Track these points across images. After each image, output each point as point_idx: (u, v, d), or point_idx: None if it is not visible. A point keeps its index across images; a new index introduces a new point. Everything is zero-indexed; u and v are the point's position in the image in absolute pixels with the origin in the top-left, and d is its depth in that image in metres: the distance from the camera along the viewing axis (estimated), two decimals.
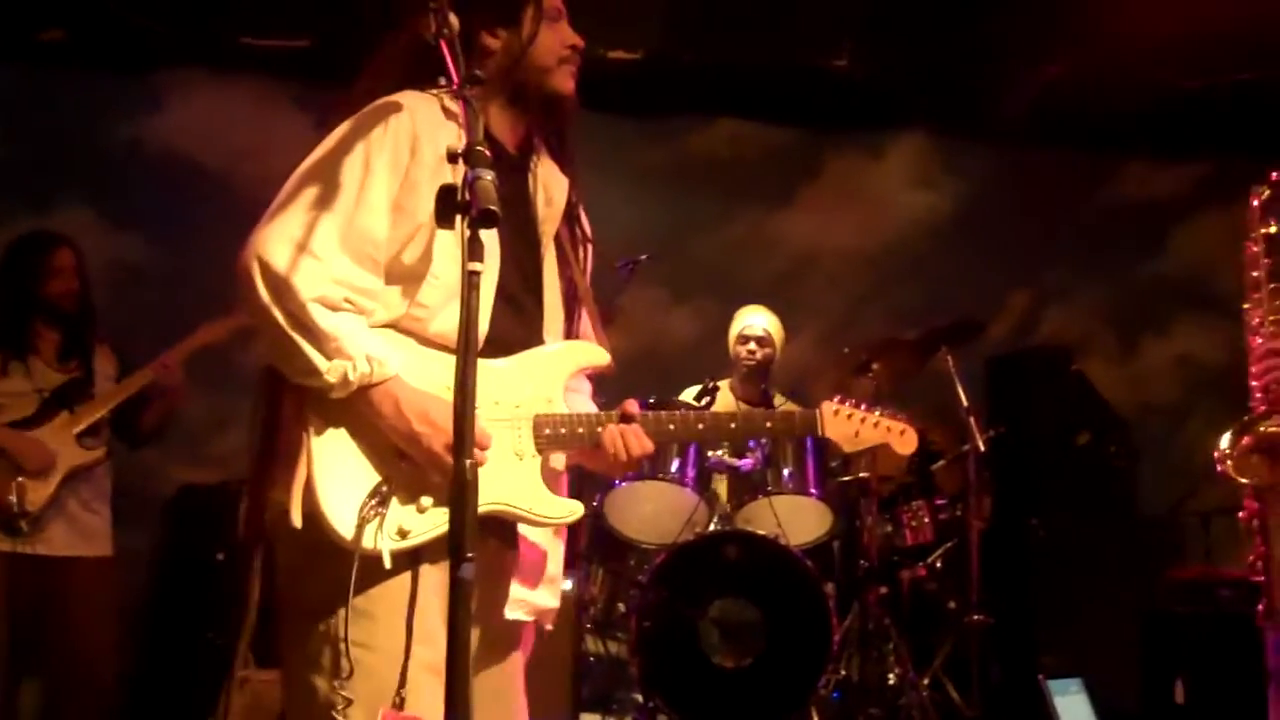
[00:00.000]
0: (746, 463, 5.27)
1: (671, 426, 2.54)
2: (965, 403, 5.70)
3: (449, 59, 2.11)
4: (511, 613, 2.39)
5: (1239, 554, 3.45)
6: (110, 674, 4.86)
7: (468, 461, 1.85)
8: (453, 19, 2.14)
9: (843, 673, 5.59)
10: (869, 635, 5.55)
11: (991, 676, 5.73)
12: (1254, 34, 6.07)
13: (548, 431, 2.39)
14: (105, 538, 4.81)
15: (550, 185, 2.53)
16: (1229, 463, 3.08)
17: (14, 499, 4.51)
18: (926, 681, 5.66)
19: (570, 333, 2.54)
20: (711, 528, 5.23)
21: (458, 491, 1.84)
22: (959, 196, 7.64)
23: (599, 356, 2.51)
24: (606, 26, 6.27)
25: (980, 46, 6.68)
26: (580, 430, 2.41)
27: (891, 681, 5.65)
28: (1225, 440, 3.09)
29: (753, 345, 5.75)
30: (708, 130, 7.27)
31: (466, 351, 1.88)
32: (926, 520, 5.88)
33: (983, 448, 5.64)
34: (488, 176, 1.89)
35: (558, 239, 2.53)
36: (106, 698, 4.86)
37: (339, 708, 2.16)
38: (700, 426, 2.75)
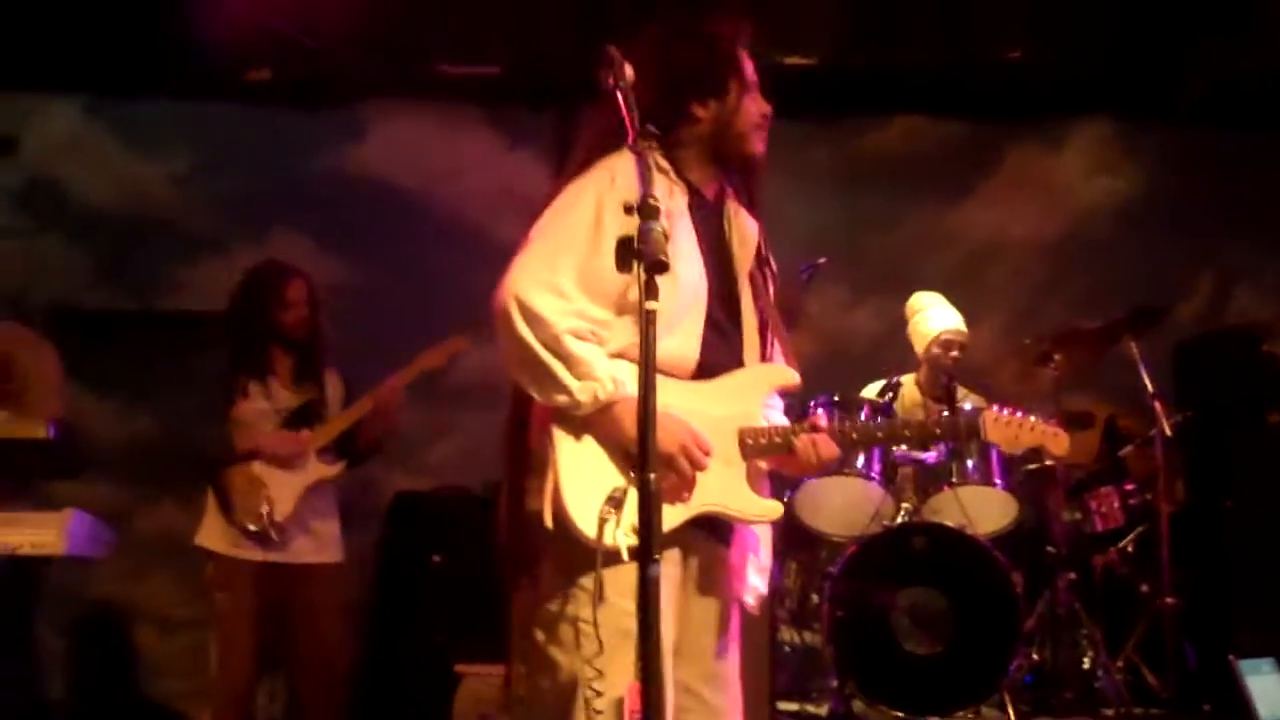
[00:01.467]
0: (931, 455, 5.38)
1: (855, 435, 2.88)
2: (1150, 388, 5.72)
3: (624, 111, 2.39)
4: (747, 597, 2.73)
5: None
6: (344, 669, 5.25)
7: (651, 475, 2.11)
8: (628, 70, 2.44)
9: (1035, 658, 5.62)
10: (1060, 621, 5.59)
11: (1186, 659, 5.72)
12: None
13: (749, 441, 2.70)
14: (338, 545, 5.13)
15: (743, 228, 2.84)
16: None
17: (266, 509, 4.90)
18: (1120, 664, 5.65)
19: (765, 356, 2.83)
20: (899, 520, 5.35)
21: (644, 501, 2.10)
22: (1140, 181, 7.54)
23: (789, 377, 2.83)
24: (783, 33, 6.45)
25: (1159, 30, 6.65)
26: (777, 440, 2.72)
27: (1085, 666, 5.67)
28: None
29: (956, 352, 5.80)
30: (883, 129, 7.32)
31: (648, 376, 2.15)
32: (1116, 505, 5.87)
33: (1169, 432, 5.65)
34: (659, 228, 2.16)
35: (751, 275, 2.83)
36: (342, 691, 5.25)
37: (589, 680, 2.47)
38: (879, 435, 3.13)
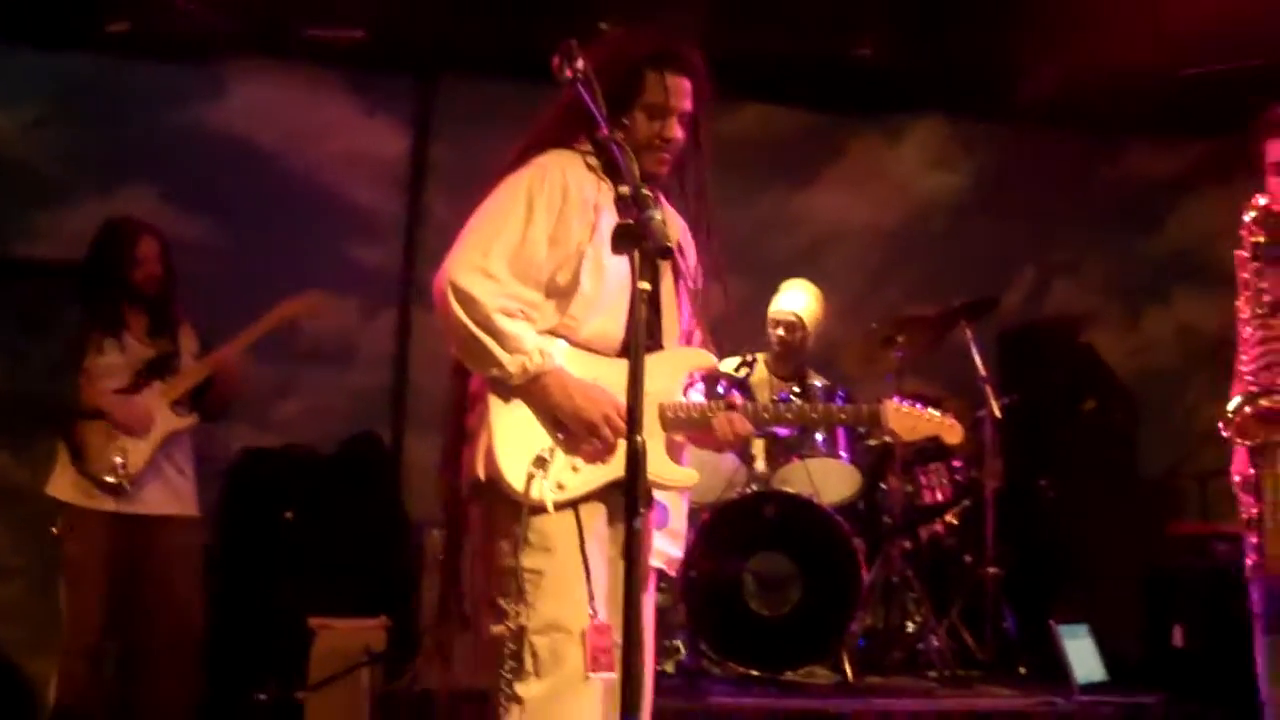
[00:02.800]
0: (783, 430, 5.67)
1: (766, 415, 3.17)
2: (982, 371, 6.10)
3: (589, 101, 2.59)
4: (654, 561, 2.95)
5: (1232, 512, 3.87)
6: (200, 625, 5.21)
7: (639, 438, 2.34)
8: (580, 63, 2.64)
9: (868, 621, 5.94)
10: (892, 586, 5.94)
11: (1004, 624, 6.10)
12: (1245, 27, 6.41)
13: (669, 415, 2.95)
14: (193, 498, 5.18)
15: (666, 219, 2.99)
16: (1233, 426, 3.53)
17: (120, 460, 4.92)
18: (944, 629, 5.99)
19: (685, 341, 3.10)
20: (751, 488, 5.60)
21: (631, 460, 2.34)
22: (972, 177, 7.93)
23: (707, 360, 3.08)
24: (645, 17, 6.62)
25: (995, 36, 6.95)
26: (695, 415, 2.97)
27: (911, 629, 6.02)
28: (1232, 406, 3.54)
29: (781, 331, 6.07)
30: (737, 114, 7.51)
31: (637, 350, 2.39)
32: (944, 481, 6.20)
33: (998, 414, 6.04)
34: (658, 216, 2.39)
35: (674, 267, 3.06)
36: (197, 648, 5.23)
37: (534, 624, 2.73)
38: (789, 416, 3.48)
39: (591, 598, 2.73)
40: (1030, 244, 7.92)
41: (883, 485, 6.14)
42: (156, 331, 5.16)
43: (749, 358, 5.81)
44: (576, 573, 2.75)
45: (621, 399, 2.78)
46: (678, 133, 3.04)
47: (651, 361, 2.87)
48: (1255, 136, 3.71)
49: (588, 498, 2.83)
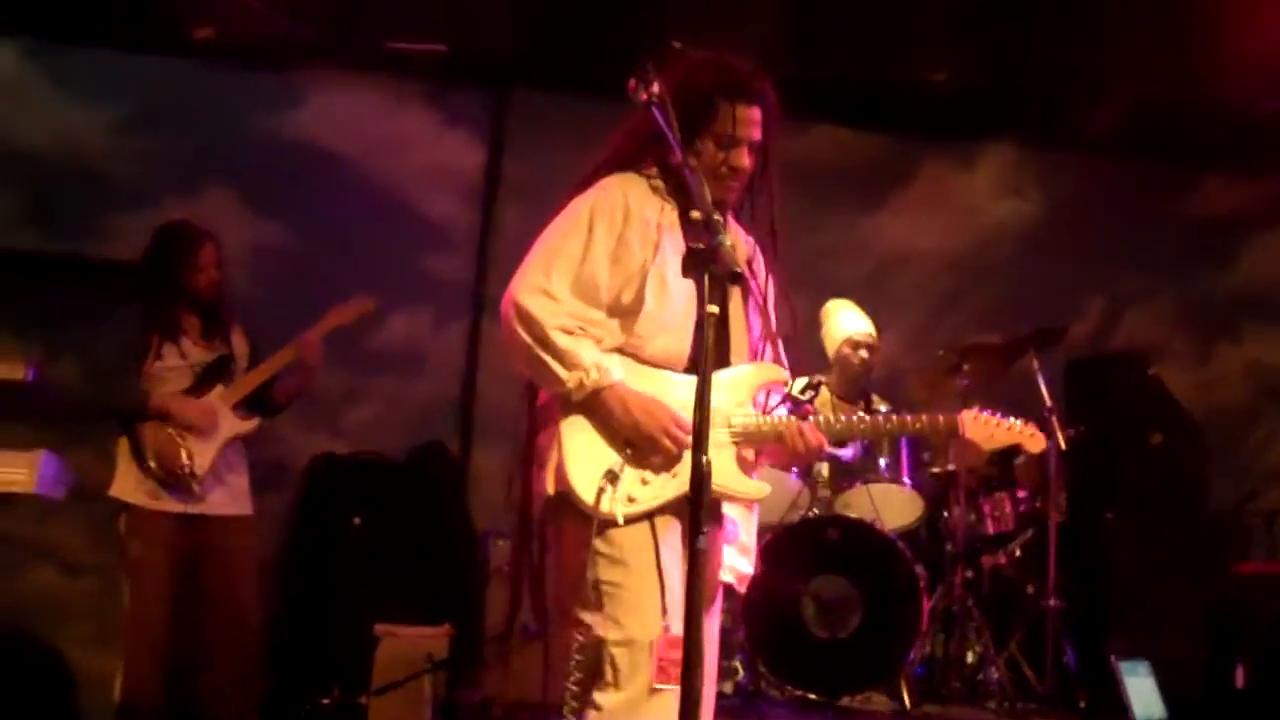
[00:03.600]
0: (847, 453, 5.68)
1: (838, 426, 3.20)
2: (1048, 402, 6.06)
3: (664, 126, 2.64)
4: (724, 575, 3.01)
5: None
6: (257, 621, 5.33)
7: (705, 458, 2.38)
8: (655, 87, 2.70)
9: (927, 649, 5.91)
10: (953, 615, 5.90)
11: (1064, 657, 6.05)
12: None
13: (739, 427, 3.00)
14: (248, 497, 5.26)
15: (735, 243, 3.05)
16: None
17: (187, 463, 5.01)
18: (1004, 660, 5.97)
19: (755, 356, 3.15)
20: (813, 511, 5.63)
21: (696, 480, 2.37)
22: (1043, 205, 7.91)
23: (778, 374, 3.15)
24: (722, 37, 6.66)
25: (1069, 64, 6.97)
26: (764, 428, 3.03)
27: (971, 659, 5.99)
28: None
29: (864, 352, 6.05)
30: (808, 135, 7.52)
31: (705, 371, 2.46)
32: (1008, 510, 6.19)
33: (1064, 445, 6.01)
34: (728, 242, 2.47)
35: (743, 284, 3.10)
36: (255, 645, 5.35)
37: (613, 636, 2.79)
38: (861, 426, 3.40)
39: (665, 611, 2.79)
40: (1100, 274, 7.88)
41: (945, 513, 6.12)
42: (210, 334, 5.25)
43: (815, 380, 5.81)
44: (652, 585, 2.81)
45: (686, 414, 2.82)
46: (746, 162, 3.09)
47: (721, 377, 2.99)
48: None
49: (660, 510, 2.88)
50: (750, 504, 3.12)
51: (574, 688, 2.85)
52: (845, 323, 6.16)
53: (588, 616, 2.84)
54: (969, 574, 6.04)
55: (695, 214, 2.60)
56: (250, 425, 5.21)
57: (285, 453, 6.60)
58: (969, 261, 7.86)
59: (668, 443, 2.86)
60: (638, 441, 2.87)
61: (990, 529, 6.23)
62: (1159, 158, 7.71)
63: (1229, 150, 7.63)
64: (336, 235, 7.05)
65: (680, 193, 3.02)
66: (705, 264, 2.50)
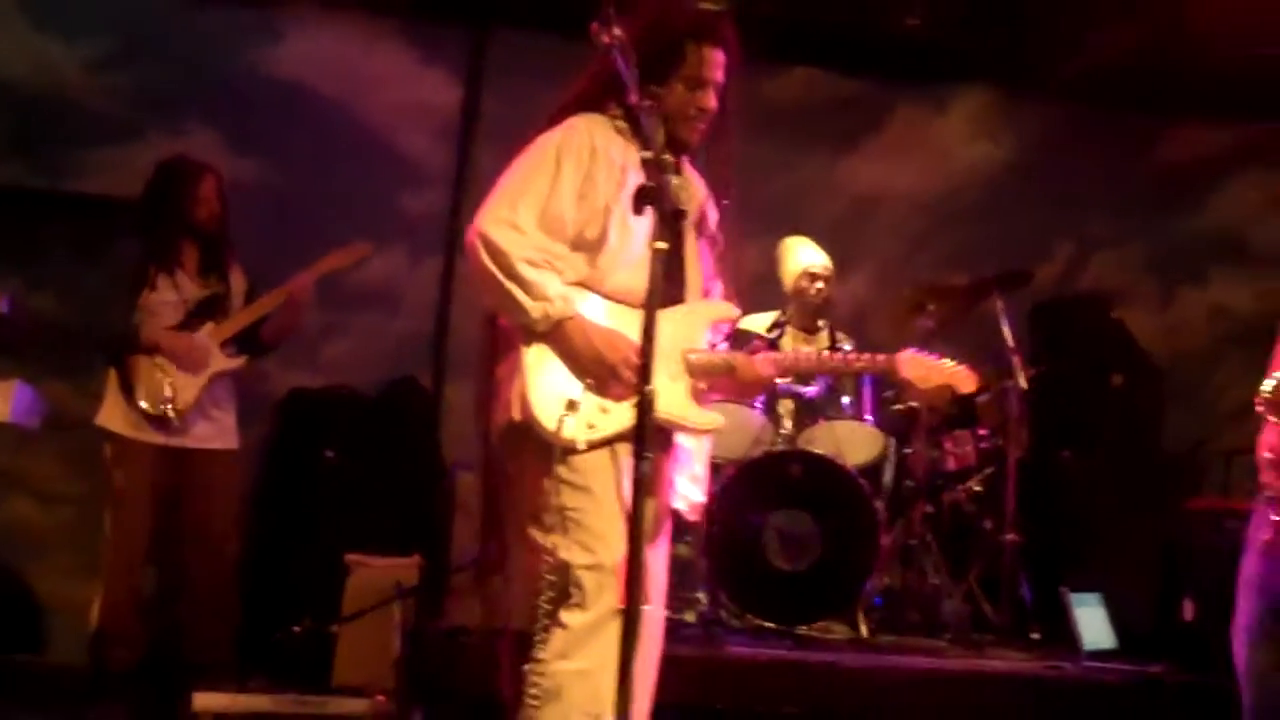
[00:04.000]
0: (811, 390, 5.78)
1: (786, 360, 3.41)
2: (1010, 342, 6.19)
3: (623, 69, 2.76)
4: (676, 503, 3.16)
5: (1253, 490, 3.96)
6: (234, 553, 5.44)
7: (649, 388, 2.53)
8: (616, 30, 2.80)
9: (886, 581, 6.07)
10: (911, 549, 6.07)
11: (1019, 591, 6.21)
12: None
13: (693, 360, 3.13)
14: (233, 432, 5.39)
15: (690, 186, 3.24)
16: (1266, 405, 3.64)
17: (170, 395, 5.12)
18: (961, 592, 6.14)
19: (707, 294, 3.26)
20: (777, 447, 5.73)
21: (641, 409, 2.53)
22: (1014, 150, 7.99)
23: (729, 311, 3.28)
24: None
25: (1044, 9, 7.04)
26: (718, 362, 3.16)
27: (928, 592, 6.15)
28: (1269, 385, 3.64)
29: (820, 284, 6.12)
30: (785, 78, 7.60)
31: (651, 303, 2.58)
32: (969, 448, 6.30)
33: (1024, 384, 6.14)
34: (675, 181, 2.59)
35: (698, 226, 3.25)
36: (232, 577, 5.46)
37: (570, 557, 2.94)
38: (806, 363, 3.68)
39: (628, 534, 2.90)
40: (1068, 219, 7.97)
41: (907, 450, 6.24)
42: (209, 270, 5.35)
43: (780, 318, 5.95)
44: (614, 510, 2.94)
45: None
46: (713, 103, 3.19)
47: (675, 313, 3.10)
48: None
49: (620, 438, 2.98)
50: (702, 434, 3.23)
51: (546, 605, 2.96)
52: (801, 256, 6.23)
53: (553, 541, 2.96)
54: (929, 509, 6.19)
55: (645, 154, 2.68)
56: (237, 363, 5.33)
57: (265, 388, 6.68)
58: (940, 204, 7.95)
59: (628, 373, 2.96)
60: (599, 372, 2.98)
61: (951, 465, 6.35)
62: (1129, 104, 7.78)
63: (1198, 97, 7.70)
64: (314, 173, 7.10)
65: (639, 134, 3.10)
66: (653, 201, 2.60)
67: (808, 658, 5.25)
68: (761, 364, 3.17)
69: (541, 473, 2.98)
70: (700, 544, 5.53)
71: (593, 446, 2.96)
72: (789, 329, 6.12)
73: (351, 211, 6.83)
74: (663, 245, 2.60)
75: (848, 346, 5.95)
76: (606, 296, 3.10)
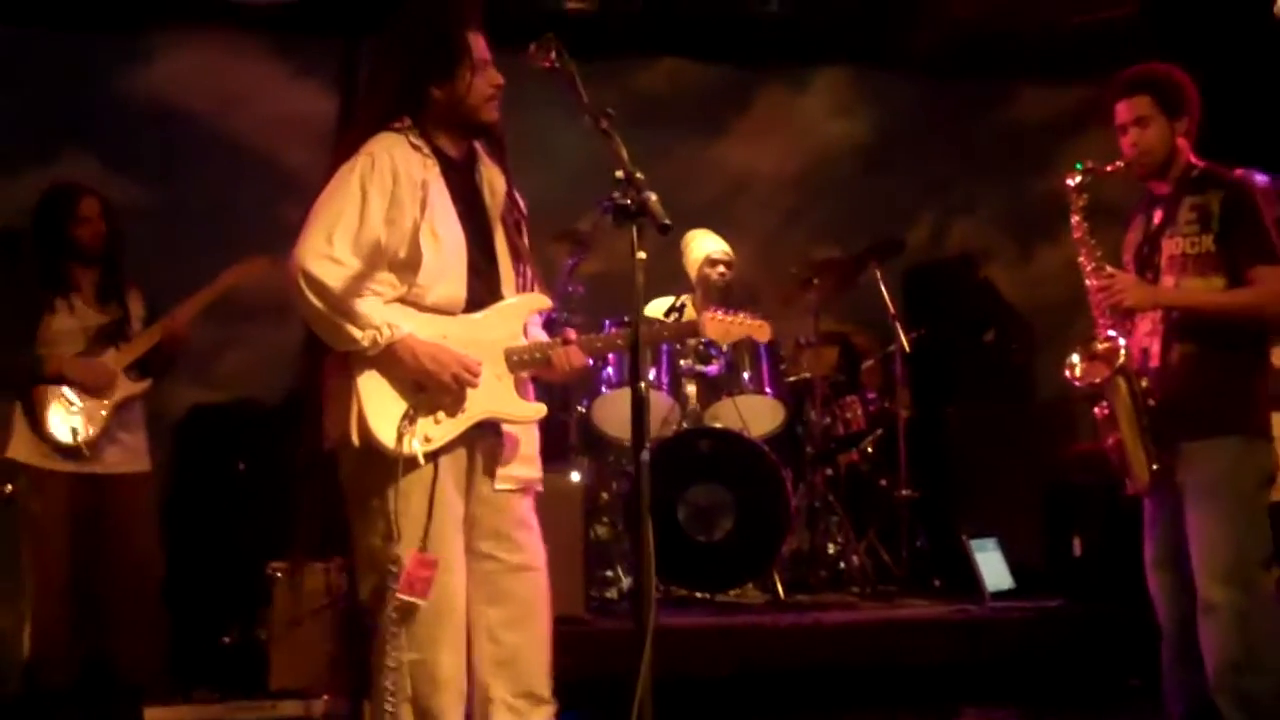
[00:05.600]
0: (713, 368, 6.03)
1: (599, 344, 3.53)
2: (892, 309, 6.55)
3: (577, 85, 3.00)
4: (501, 485, 3.31)
5: None
6: (159, 574, 5.42)
7: (641, 384, 2.80)
8: (553, 54, 2.99)
9: (794, 543, 6.33)
10: (815, 511, 6.39)
11: (918, 542, 6.62)
12: None
13: (515, 358, 3.31)
14: (145, 455, 5.35)
15: (493, 180, 3.41)
16: (1076, 373, 4.01)
17: (78, 424, 5.10)
18: (863, 548, 6.50)
19: (520, 287, 3.42)
20: (684, 425, 5.98)
21: (636, 405, 2.81)
22: (874, 124, 8.33)
23: (542, 302, 3.46)
24: None
25: None
26: (537, 355, 3.33)
27: (833, 550, 6.51)
28: (1074, 357, 4.02)
29: (722, 268, 6.35)
30: (653, 69, 7.85)
31: (637, 307, 2.80)
32: (859, 411, 6.62)
33: (907, 348, 6.49)
34: (654, 197, 2.80)
35: (503, 218, 3.41)
36: (159, 596, 5.45)
37: (391, 559, 3.09)
38: (619, 341, 3.67)
39: (426, 534, 3.10)
40: (930, 187, 8.35)
41: (804, 418, 6.53)
42: (105, 295, 5.31)
43: (678, 302, 6.18)
44: (422, 511, 3.10)
45: (467, 353, 3.18)
46: (500, 77, 3.33)
47: (494, 313, 3.33)
48: (1107, 97, 4.11)
49: (450, 446, 3.18)
50: (529, 424, 3.41)
51: (382, 600, 3.12)
52: (703, 244, 6.45)
53: (375, 541, 3.13)
54: (828, 472, 6.53)
55: (618, 173, 2.85)
56: (143, 386, 5.30)
57: (163, 408, 6.67)
58: (808, 180, 8.25)
59: (455, 386, 3.14)
60: (429, 386, 3.14)
61: (844, 429, 6.66)
62: (977, 73, 8.17)
63: (1040, 63, 8.11)
64: (197, 190, 7.13)
65: (437, 139, 3.28)
66: (633, 217, 2.82)
67: (732, 621, 5.54)
68: (573, 354, 3.33)
69: (374, 483, 3.12)
70: (623, 522, 5.73)
71: (429, 458, 3.13)
72: (691, 311, 6.33)
73: (236, 227, 6.86)
74: (643, 255, 2.82)
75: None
76: (427, 309, 3.22)
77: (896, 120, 8.32)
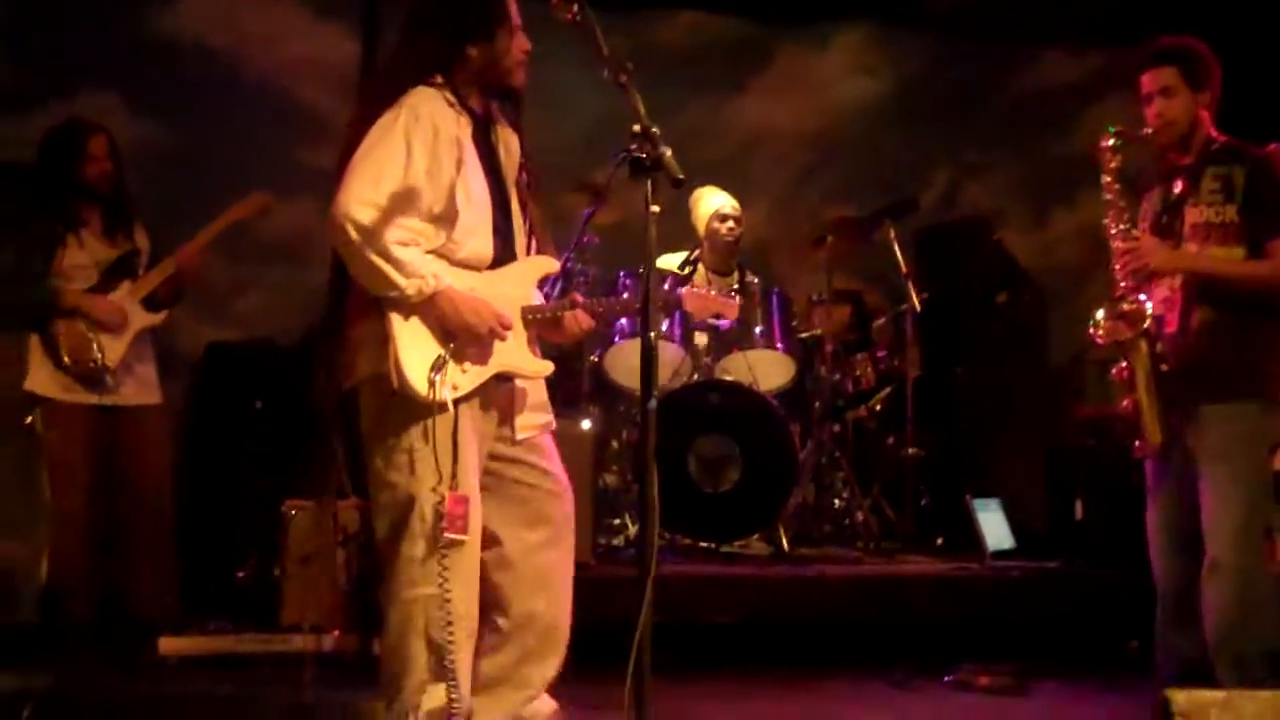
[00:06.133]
0: (724, 322, 6.05)
1: (600, 309, 3.60)
2: (904, 269, 6.58)
3: (598, 38, 3.05)
4: (522, 433, 3.44)
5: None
6: (171, 506, 5.51)
7: (650, 335, 2.87)
8: (576, 6, 3.04)
9: (800, 497, 6.41)
10: (822, 467, 6.45)
11: (922, 500, 6.68)
12: None
13: (529, 316, 3.42)
14: (157, 387, 5.44)
15: (509, 141, 3.50)
16: (1100, 330, 4.06)
17: (99, 355, 5.23)
18: (868, 504, 6.58)
19: (532, 250, 3.52)
20: (695, 377, 6.04)
21: (645, 356, 2.86)
22: (893, 83, 8.34)
23: (552, 266, 3.55)
24: None
25: None
26: (549, 315, 3.45)
27: (839, 505, 6.60)
28: (1099, 314, 4.07)
29: (731, 224, 6.37)
30: (672, 23, 7.86)
31: (649, 262, 2.90)
32: (869, 369, 6.69)
33: (918, 307, 6.53)
34: (669, 152, 2.84)
35: (516, 181, 3.49)
36: (172, 528, 5.57)
37: (415, 491, 3.18)
38: (618, 308, 3.95)
39: (454, 474, 3.17)
40: (946, 147, 8.37)
41: (813, 374, 6.58)
42: (113, 230, 5.36)
43: (692, 256, 6.22)
44: (448, 452, 3.17)
45: (498, 307, 3.27)
46: (528, 42, 3.41)
47: (510, 272, 3.43)
48: (1132, 67, 4.15)
49: (469, 394, 3.28)
50: (538, 378, 3.52)
51: (393, 537, 3.22)
52: (711, 201, 6.47)
53: (398, 478, 3.21)
54: (836, 428, 6.58)
55: (635, 127, 2.91)
56: (158, 318, 5.38)
57: (179, 345, 6.75)
58: (824, 138, 8.27)
59: (489, 339, 3.26)
60: (462, 335, 3.23)
61: (853, 386, 6.73)
62: (999, 34, 8.16)
63: (1064, 26, 8.11)
64: (216, 130, 7.15)
65: (472, 100, 3.36)
66: (648, 172, 2.88)
67: (736, 571, 5.62)
68: (582, 317, 3.47)
69: (397, 422, 3.21)
70: (632, 471, 5.80)
71: (455, 404, 3.21)
72: (701, 267, 6.39)
73: (256, 168, 6.89)
74: (657, 209, 2.88)
75: (755, 280, 6.26)
76: (457, 263, 3.29)
77: (915, 80, 8.33)
